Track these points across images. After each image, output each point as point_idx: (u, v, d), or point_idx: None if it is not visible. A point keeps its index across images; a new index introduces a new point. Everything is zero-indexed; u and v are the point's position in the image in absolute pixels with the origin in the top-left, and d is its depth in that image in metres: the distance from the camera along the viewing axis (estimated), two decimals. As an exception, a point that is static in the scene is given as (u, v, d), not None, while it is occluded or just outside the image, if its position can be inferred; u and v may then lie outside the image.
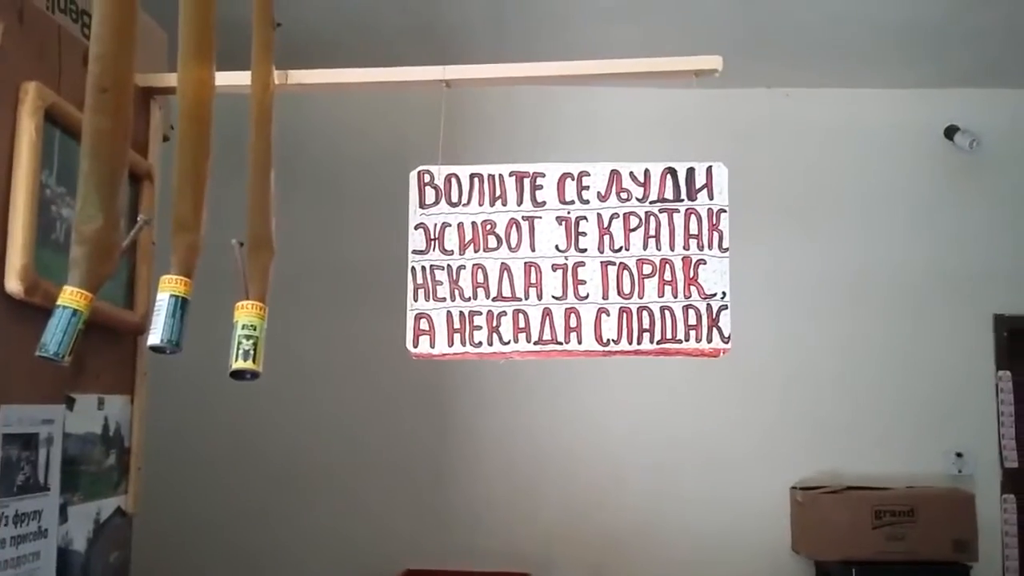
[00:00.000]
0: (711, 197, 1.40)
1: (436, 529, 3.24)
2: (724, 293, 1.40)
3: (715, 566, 3.21)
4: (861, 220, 3.35)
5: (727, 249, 1.40)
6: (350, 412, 3.30)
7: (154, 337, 1.08)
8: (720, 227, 1.40)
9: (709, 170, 1.41)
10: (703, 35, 2.92)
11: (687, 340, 1.38)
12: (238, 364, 1.13)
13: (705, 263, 1.39)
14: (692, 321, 1.38)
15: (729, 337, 1.39)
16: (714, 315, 1.39)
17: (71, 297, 1.03)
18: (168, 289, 1.08)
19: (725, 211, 1.40)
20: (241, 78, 1.34)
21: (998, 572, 3.17)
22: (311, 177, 3.31)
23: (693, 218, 1.40)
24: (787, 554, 3.22)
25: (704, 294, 1.39)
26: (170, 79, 1.41)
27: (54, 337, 1.02)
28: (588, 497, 3.26)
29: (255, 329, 1.13)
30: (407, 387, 3.29)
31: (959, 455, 3.22)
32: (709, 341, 1.38)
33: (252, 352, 1.12)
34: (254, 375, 1.15)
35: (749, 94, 3.37)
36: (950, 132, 3.31)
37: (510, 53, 2.85)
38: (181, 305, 1.08)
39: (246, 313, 1.14)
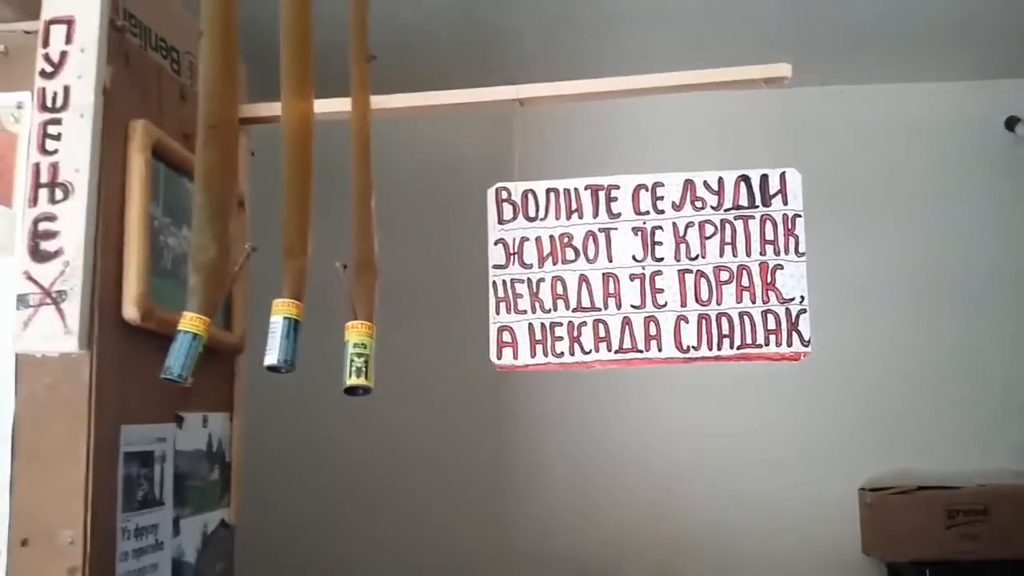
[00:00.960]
0: (785, 202, 1.44)
1: (500, 538, 3.28)
2: (803, 297, 1.44)
3: (783, 569, 3.20)
4: (923, 217, 3.34)
5: (803, 253, 1.44)
6: (423, 425, 3.37)
7: (270, 358, 1.16)
8: (796, 232, 1.43)
9: (783, 176, 1.45)
10: (748, 36, 2.94)
11: (767, 345, 1.42)
12: (352, 380, 1.20)
13: (782, 268, 1.43)
14: (772, 326, 1.42)
15: (809, 341, 1.43)
16: (793, 319, 1.42)
17: (191, 322, 1.11)
18: (281, 312, 1.16)
19: (800, 215, 1.44)
20: (339, 105, 1.42)
21: (1076, 569, 3.12)
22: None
23: (768, 224, 1.44)
24: (857, 556, 3.21)
25: (783, 298, 1.43)
26: (257, 109, 1.49)
27: (177, 360, 1.10)
28: (652, 502, 3.27)
29: (365, 347, 1.20)
30: (472, 399, 3.37)
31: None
32: (789, 345, 1.42)
33: (364, 369, 1.19)
34: (366, 390, 1.22)
35: (803, 93, 3.38)
36: (1011, 123, 3.28)
37: (561, 67, 2.91)
38: (294, 327, 1.16)
39: (356, 332, 1.21)
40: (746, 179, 1.45)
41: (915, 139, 3.36)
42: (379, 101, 1.49)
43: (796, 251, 1.43)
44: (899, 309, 3.30)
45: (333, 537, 3.30)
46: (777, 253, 1.43)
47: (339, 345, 1.27)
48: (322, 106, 1.39)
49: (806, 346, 1.42)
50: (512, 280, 1.48)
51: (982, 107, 3.34)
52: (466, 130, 3.30)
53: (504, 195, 1.51)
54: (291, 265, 1.20)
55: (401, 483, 3.34)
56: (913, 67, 3.28)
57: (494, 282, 1.49)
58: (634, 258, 1.46)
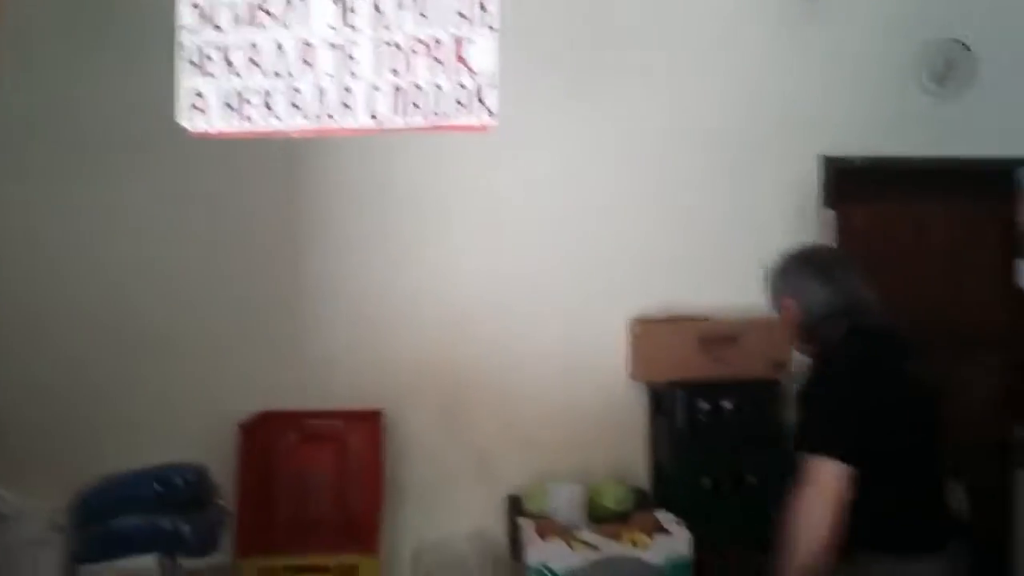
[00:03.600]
0: (479, -24, 1.47)
1: (292, 373, 3.36)
2: (492, 72, 1.49)
3: (561, 394, 3.47)
4: (701, 62, 3.51)
5: (495, 29, 1.48)
6: (202, 263, 3.35)
7: None
8: (488, 7, 1.47)
9: (477, -51, 1.47)
10: None
11: (456, 117, 1.47)
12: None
13: (473, 42, 1.46)
14: (461, 98, 1.47)
15: (495, 113, 1.49)
16: (481, 92, 1.48)
17: None
18: None
19: (492, -10, 1.47)
20: None
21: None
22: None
23: (462, -3, 1.46)
24: (625, 381, 3.49)
25: (472, 72, 1.47)
26: None
27: None
28: (438, 336, 3.44)
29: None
30: (257, 235, 3.34)
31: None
32: (477, 117, 1.48)
33: None
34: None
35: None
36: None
37: None
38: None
39: None
40: (441, -50, 1.46)
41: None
42: None
43: (489, 26, 1.47)
44: (669, 152, 3.50)
45: (108, 387, 3.29)
46: (470, 27, 1.46)
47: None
48: None
49: (492, 118, 1.49)
50: (204, 43, 1.45)
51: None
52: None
53: (197, -45, 1.46)
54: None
55: (184, 322, 3.33)
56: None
57: (183, 44, 1.46)
58: (330, 27, 1.46)
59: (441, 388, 3.42)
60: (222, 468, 2.93)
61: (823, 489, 1.81)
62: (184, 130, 1.47)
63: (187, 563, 2.85)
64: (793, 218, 3.50)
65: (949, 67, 3.51)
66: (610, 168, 3.48)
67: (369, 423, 3.16)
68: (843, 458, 1.81)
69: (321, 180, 3.38)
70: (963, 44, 3.53)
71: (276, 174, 3.34)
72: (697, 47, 3.50)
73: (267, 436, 3.09)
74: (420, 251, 3.43)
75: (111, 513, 2.59)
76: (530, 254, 3.46)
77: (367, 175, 3.39)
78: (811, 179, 3.52)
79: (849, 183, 3.52)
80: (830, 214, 3.51)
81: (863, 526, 1.86)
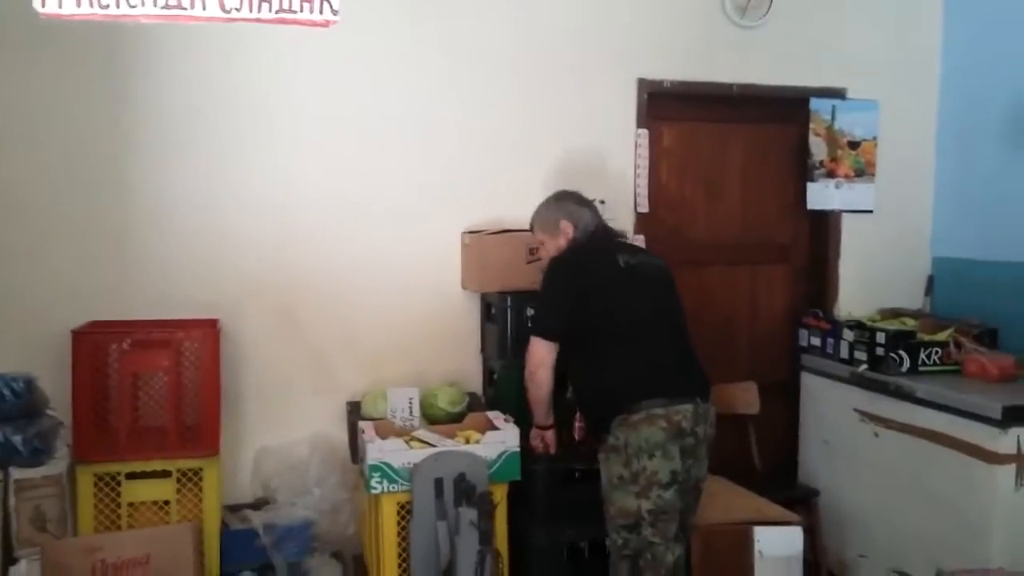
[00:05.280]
0: None
1: (122, 281, 3.43)
2: (335, -28, 1.70)
3: (397, 303, 3.72)
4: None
5: (338, -69, 1.69)
6: (30, 168, 3.33)
7: None
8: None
9: None
10: None
11: (301, 11, 1.67)
12: None
13: (317, -59, 1.67)
14: (306, -6, 1.67)
15: (337, 11, 1.71)
16: (325, -11, 1.69)
17: None
18: None
19: None
20: None
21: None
22: None
23: None
24: (458, 290, 3.79)
25: (317, -30, 1.68)
26: None
27: None
28: (275, 244, 3.58)
29: None
30: (89, 140, 3.36)
31: (601, 202, 3.86)
32: (321, 13, 1.69)
33: None
34: None
35: None
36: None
37: None
38: None
39: None
40: None
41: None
42: None
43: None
44: (498, 74, 3.78)
45: None
46: (314, -71, 1.67)
47: None
48: None
49: (335, 15, 1.70)
50: (55, -71, 1.57)
51: None
52: None
53: None
54: None
55: (8, 230, 3.31)
56: None
57: (35, -72, 1.57)
58: (180, -82, 1.62)
59: (279, 297, 3.58)
60: (55, 378, 3.02)
61: (540, 359, 2.97)
62: (35, 14, 1.59)
63: (21, 474, 2.93)
64: (613, 136, 3.89)
65: (749, -1, 3.97)
66: (447, 82, 3.71)
67: (205, 330, 3.27)
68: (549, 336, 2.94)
69: (155, 78, 3.41)
70: (764, -23, 3.98)
71: (110, 69, 3.35)
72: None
73: (100, 344, 3.13)
74: (255, 157, 3.53)
75: (-66, 424, 2.59)
76: (368, 166, 3.65)
77: (202, 74, 3.44)
78: (629, 100, 3.91)
79: (660, 104, 3.95)
80: (643, 133, 3.92)
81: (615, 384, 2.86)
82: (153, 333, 3.22)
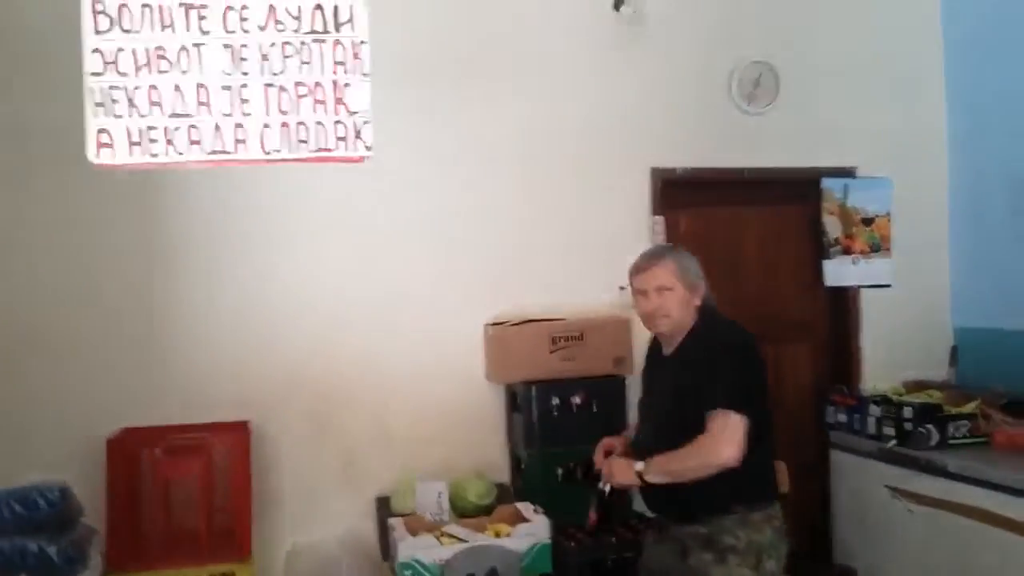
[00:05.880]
0: (354, 30, 1.80)
1: (154, 386, 3.51)
2: (366, 111, 1.83)
3: (423, 396, 3.79)
4: (539, 84, 3.94)
5: (368, 75, 1.82)
6: (51, 273, 3.45)
7: None
8: (360, 56, 1.81)
9: (351, 7, 1.81)
10: None
11: (337, 149, 1.80)
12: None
13: (350, 86, 1.80)
14: (341, 134, 1.80)
15: (371, 147, 1.83)
16: (358, 129, 1.82)
17: None
18: None
19: (365, 42, 1.82)
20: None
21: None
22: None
23: (339, 48, 1.80)
24: (482, 380, 3.87)
25: (350, 111, 1.81)
26: None
27: None
28: (303, 346, 3.67)
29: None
30: (125, 253, 3.51)
31: (622, 288, 3.95)
32: (356, 150, 1.81)
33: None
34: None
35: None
36: (617, 3, 3.95)
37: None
38: None
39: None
40: (320, 7, 1.79)
41: (536, 15, 3.95)
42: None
43: (362, 72, 1.81)
44: (515, 168, 3.93)
45: None
46: (346, 73, 1.80)
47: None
48: None
49: (368, 151, 1.83)
50: (110, 87, 1.71)
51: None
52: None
53: (99, 7, 1.72)
54: None
55: (44, 339, 3.43)
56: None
57: (91, 88, 1.71)
58: (224, 71, 1.76)
59: (307, 397, 3.67)
60: (88, 485, 3.07)
61: (735, 431, 2.40)
62: (85, 160, 1.72)
63: (56, 585, 2.97)
64: (628, 224, 4.00)
65: (756, 86, 4.13)
66: (464, 183, 3.86)
67: (236, 433, 3.35)
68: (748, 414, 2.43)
69: (190, 202, 3.58)
70: (769, 65, 4.15)
71: (147, 196, 3.51)
72: (540, 72, 3.94)
73: (133, 451, 3.22)
74: (285, 265, 3.67)
75: (-25, 539, 2.66)
76: (390, 265, 3.77)
77: (231, 186, 3.57)
78: (643, 189, 4.04)
79: (674, 191, 4.08)
80: (660, 220, 4.04)
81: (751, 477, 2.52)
82: (185, 439, 3.29)
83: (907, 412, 3.71)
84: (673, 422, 2.57)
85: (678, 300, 2.60)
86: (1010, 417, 3.71)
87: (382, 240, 3.77)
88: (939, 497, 3.51)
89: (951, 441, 3.65)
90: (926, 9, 4.40)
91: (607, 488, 2.67)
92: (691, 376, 2.55)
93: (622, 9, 3.93)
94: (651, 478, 2.50)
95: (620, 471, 2.59)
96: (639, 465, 2.54)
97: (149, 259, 3.54)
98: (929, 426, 3.64)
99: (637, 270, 2.71)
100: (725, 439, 2.39)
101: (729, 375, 2.48)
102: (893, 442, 3.74)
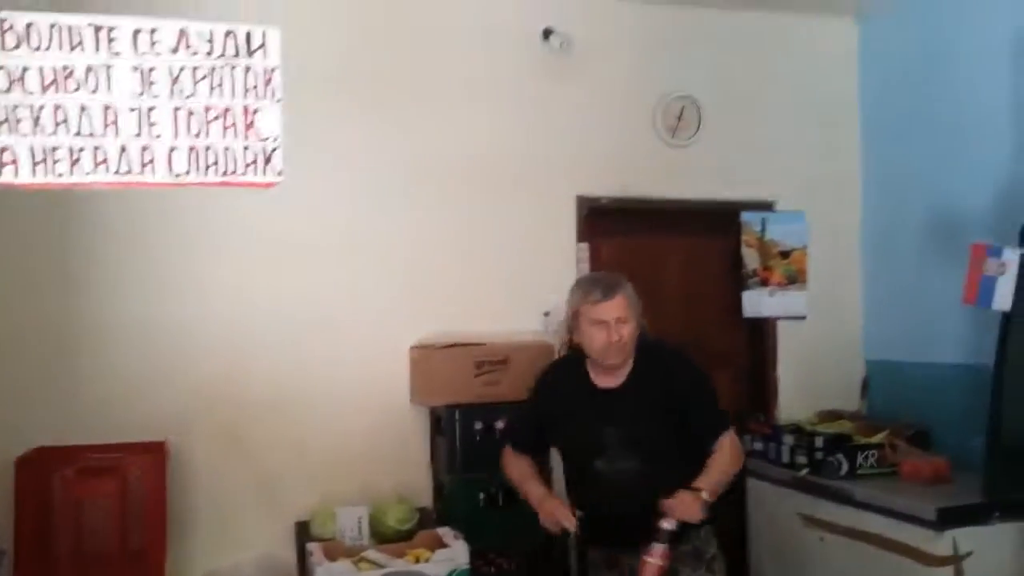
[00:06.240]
0: (266, 56, 1.84)
1: (68, 409, 3.46)
2: (276, 137, 1.86)
3: (345, 419, 3.79)
4: (467, 110, 4.01)
5: (279, 100, 1.85)
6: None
7: None
8: (272, 81, 1.84)
9: (264, 33, 1.84)
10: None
11: (247, 174, 1.82)
12: None
13: (260, 111, 1.83)
14: (251, 159, 1.83)
15: (281, 172, 1.86)
16: (268, 154, 1.85)
17: None
18: None
19: (277, 68, 1.85)
20: None
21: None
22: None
23: (251, 73, 1.83)
24: (407, 404, 3.89)
25: (260, 137, 1.84)
26: None
27: None
28: (221, 367, 3.65)
29: None
30: (33, 273, 3.46)
31: (546, 314, 4.04)
32: (265, 175, 1.84)
33: None
34: None
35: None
36: (546, 33, 4.04)
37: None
38: None
39: None
40: (233, 33, 1.82)
41: (462, 41, 4.02)
42: None
43: (273, 98, 1.84)
44: (441, 195, 3.98)
45: None
46: (257, 98, 1.83)
47: None
48: None
49: (278, 176, 1.86)
50: (14, 105, 1.72)
51: (522, 17, 4.06)
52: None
53: (6, 25, 1.72)
54: None
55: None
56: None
57: (-6, 105, 1.71)
58: (133, 93, 1.78)
59: (225, 418, 3.64)
60: None
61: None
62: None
63: (-40, 606, 2.92)
64: (553, 251, 4.08)
65: (679, 118, 4.26)
66: (391, 206, 3.89)
67: (151, 454, 3.32)
68: None
69: (99, 219, 3.53)
70: (692, 98, 4.28)
71: (53, 212, 3.47)
72: (468, 99, 4.02)
73: (44, 471, 3.18)
74: (201, 283, 3.65)
75: None
76: (314, 285, 3.78)
77: (148, 198, 3.51)
78: (568, 216, 4.12)
79: (599, 220, 4.17)
80: (584, 247, 4.13)
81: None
82: (99, 459, 3.25)
83: (819, 441, 3.82)
84: (669, 447, 2.67)
85: (630, 332, 2.66)
86: (916, 448, 3.85)
87: (303, 260, 3.76)
88: (848, 525, 3.61)
89: (860, 471, 3.76)
90: (844, 46, 4.58)
91: (673, 525, 2.51)
92: (668, 401, 2.69)
93: (551, 39, 4.02)
94: (708, 500, 2.56)
95: (688, 506, 2.51)
96: (704, 493, 2.53)
97: (63, 277, 3.50)
98: (839, 455, 3.76)
99: (595, 300, 2.65)
100: (740, 449, 2.77)
101: (714, 398, 2.80)
102: (806, 471, 3.84)
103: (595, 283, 2.74)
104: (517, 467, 2.93)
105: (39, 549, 3.16)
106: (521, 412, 3.10)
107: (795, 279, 4.36)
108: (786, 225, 4.35)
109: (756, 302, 4.33)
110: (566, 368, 2.91)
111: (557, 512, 2.67)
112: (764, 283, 4.33)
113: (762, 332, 4.44)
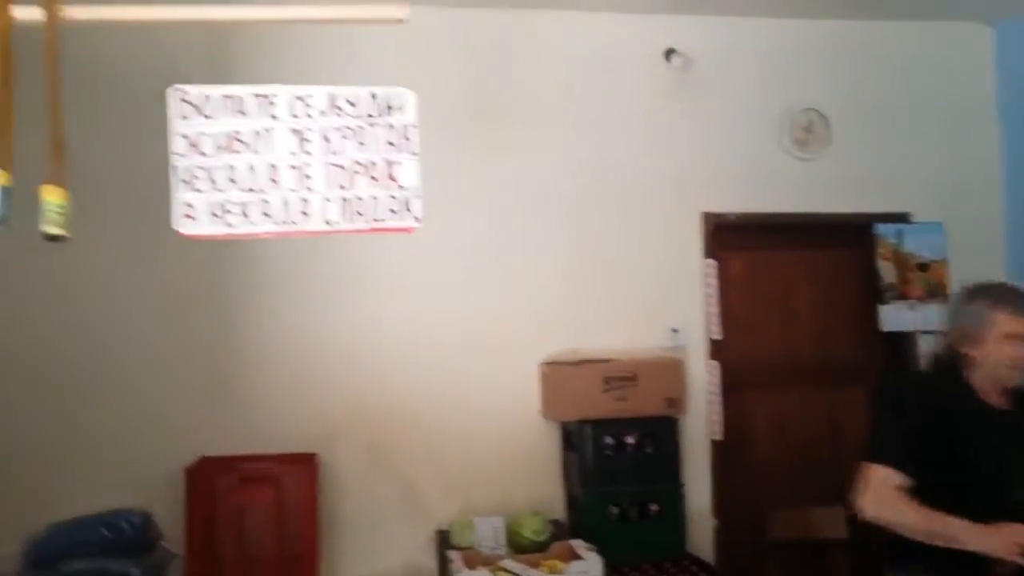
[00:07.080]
0: (404, 115, 2.04)
1: (227, 418, 3.80)
2: (416, 186, 2.06)
3: (480, 432, 4.00)
4: (592, 132, 4.16)
5: (416, 153, 2.05)
6: (134, 312, 3.77)
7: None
8: (410, 137, 2.05)
9: (401, 95, 2.05)
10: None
11: (389, 221, 2.03)
12: (53, 230, 1.66)
13: (400, 164, 2.04)
14: (393, 207, 2.04)
15: (420, 218, 2.06)
16: (408, 202, 2.05)
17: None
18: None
19: (415, 126, 2.05)
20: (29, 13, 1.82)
21: (702, 422, 4.16)
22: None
23: (391, 130, 2.04)
24: (538, 418, 4.06)
25: (401, 187, 2.04)
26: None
27: None
28: (367, 385, 3.92)
29: (63, 207, 1.67)
30: (189, 286, 3.80)
31: (675, 330, 4.13)
32: (405, 221, 2.05)
33: (63, 222, 1.65)
34: (64, 239, 1.68)
35: (480, 15, 4.03)
36: (668, 54, 4.13)
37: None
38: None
39: (53, 194, 1.66)
40: (374, 95, 2.04)
41: (588, 65, 4.16)
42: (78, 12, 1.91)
43: (411, 152, 2.05)
44: (572, 214, 4.14)
45: (41, 437, 3.65)
46: (398, 152, 2.04)
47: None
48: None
49: (418, 222, 2.06)
50: (192, 166, 1.98)
51: (646, 38, 4.18)
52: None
53: (185, 97, 1.99)
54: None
55: (125, 373, 3.75)
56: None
57: (176, 166, 1.98)
58: (291, 152, 2.02)
59: (371, 432, 3.92)
60: (164, 511, 3.35)
61: None
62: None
63: (138, 604, 3.24)
64: (680, 268, 4.16)
65: (808, 132, 4.25)
66: (520, 229, 4.09)
67: (304, 465, 3.61)
68: None
69: (261, 255, 3.89)
70: (819, 111, 4.27)
71: (226, 251, 3.82)
72: (593, 122, 4.16)
73: (209, 479, 3.50)
74: (347, 310, 3.94)
75: (61, 559, 2.94)
76: (451, 306, 4.01)
77: (298, 251, 3.86)
78: (694, 233, 4.20)
79: (726, 235, 4.23)
80: (711, 263, 4.18)
81: None
82: (257, 468, 3.56)
83: None
84: None
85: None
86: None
87: (437, 286, 4.00)
88: None
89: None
90: (976, 50, 4.48)
91: None
92: None
93: (672, 59, 4.10)
94: None
95: None
96: None
97: (229, 308, 3.86)
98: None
99: (1015, 313, 2.39)
100: None
101: None
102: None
103: (1011, 293, 2.46)
104: (910, 506, 2.32)
105: (206, 552, 3.48)
106: (887, 434, 2.49)
107: (935, 292, 4.27)
108: (923, 237, 4.27)
109: (895, 316, 4.26)
110: (937, 383, 2.53)
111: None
112: (903, 296, 4.26)
113: (901, 347, 4.36)
